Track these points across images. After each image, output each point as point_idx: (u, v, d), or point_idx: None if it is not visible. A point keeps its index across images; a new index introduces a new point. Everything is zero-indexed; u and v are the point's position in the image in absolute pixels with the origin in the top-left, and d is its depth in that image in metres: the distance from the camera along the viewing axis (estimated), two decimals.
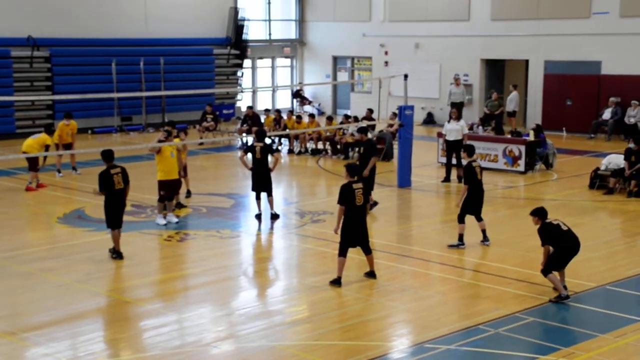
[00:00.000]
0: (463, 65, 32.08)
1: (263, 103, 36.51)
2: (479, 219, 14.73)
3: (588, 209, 18.04)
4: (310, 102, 36.42)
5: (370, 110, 25.86)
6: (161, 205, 16.31)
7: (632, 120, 27.42)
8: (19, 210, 18.08)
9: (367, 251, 12.65)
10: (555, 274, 11.80)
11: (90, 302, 12.01)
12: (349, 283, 12.48)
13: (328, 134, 25.26)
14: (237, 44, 34.35)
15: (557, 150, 23.13)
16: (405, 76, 20.87)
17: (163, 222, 16.20)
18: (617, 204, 18.50)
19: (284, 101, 37.57)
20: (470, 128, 23.79)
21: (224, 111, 30.77)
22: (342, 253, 12.42)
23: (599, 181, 19.72)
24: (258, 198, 16.74)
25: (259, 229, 16.31)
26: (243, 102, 34.50)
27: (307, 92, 37.15)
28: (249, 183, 17.00)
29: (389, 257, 13.96)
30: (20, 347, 10.18)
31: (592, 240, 14.80)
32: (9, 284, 12.74)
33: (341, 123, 24.96)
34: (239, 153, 17.14)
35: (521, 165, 21.83)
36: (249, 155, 16.79)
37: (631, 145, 19.25)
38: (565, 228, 11.87)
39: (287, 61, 38.05)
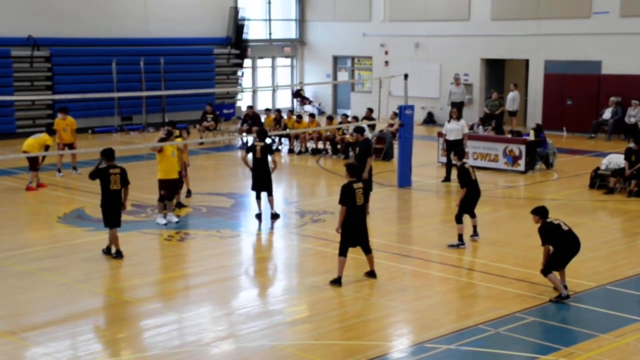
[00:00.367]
0: (463, 65, 32.07)
1: (263, 103, 36.51)
2: (473, 215, 14.80)
3: (588, 208, 18.04)
4: (310, 102, 36.42)
5: (370, 110, 25.86)
6: (161, 204, 16.31)
7: (633, 120, 27.41)
8: (19, 210, 18.09)
9: (367, 251, 12.66)
10: (556, 273, 11.80)
11: (90, 301, 12.01)
12: (349, 283, 12.48)
13: (328, 133, 25.27)
14: (237, 43, 34.35)
15: (557, 150, 23.13)
16: (406, 76, 20.87)
17: (163, 221, 16.20)
18: (617, 203, 18.49)
19: (284, 101, 37.57)
20: (471, 128, 23.79)
21: (224, 111, 30.77)
22: (343, 253, 12.42)
23: (599, 181, 19.72)
24: (258, 197, 16.74)
25: (259, 229, 16.31)
26: (243, 102, 34.50)
27: (308, 92, 37.15)
28: (249, 183, 17.00)
29: (389, 257, 13.96)
30: (20, 346, 10.18)
31: (592, 240, 14.80)
32: (9, 283, 12.74)
33: (340, 123, 24.95)
34: (242, 153, 17.12)
35: (521, 165, 21.82)
36: (250, 155, 16.79)
37: (631, 144, 19.24)
38: (565, 228, 11.86)
39: (288, 61, 38.05)
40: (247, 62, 36.04)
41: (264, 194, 16.70)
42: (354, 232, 12.38)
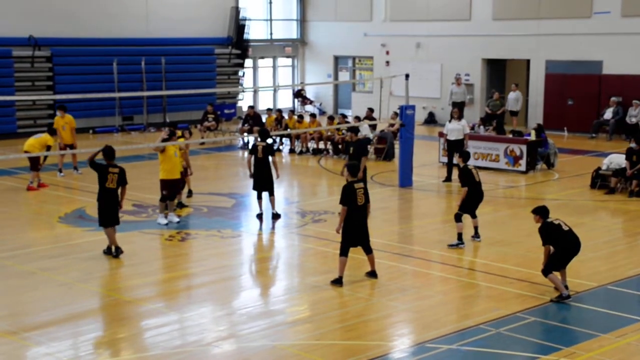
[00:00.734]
0: (464, 65, 32.07)
1: (264, 103, 36.53)
2: (474, 216, 14.80)
3: (589, 208, 18.04)
4: (311, 102, 36.42)
5: (371, 110, 25.88)
6: (162, 204, 16.32)
7: (634, 119, 27.41)
8: (20, 210, 18.09)
9: (368, 250, 12.66)
10: (556, 274, 11.80)
11: (92, 301, 12.03)
12: (350, 283, 12.48)
13: (329, 133, 25.27)
14: (238, 43, 34.35)
15: (558, 149, 23.12)
16: (407, 76, 20.88)
17: (164, 221, 16.21)
18: (618, 203, 18.49)
19: (286, 101, 37.58)
20: (472, 128, 23.79)
21: (225, 111, 30.78)
22: (343, 253, 12.42)
23: (600, 181, 19.72)
24: (259, 197, 16.74)
25: (260, 229, 16.31)
26: (244, 102, 34.50)
27: (309, 92, 37.15)
28: (250, 182, 16.99)
29: (390, 257, 13.96)
30: (22, 346, 10.19)
31: (593, 240, 14.80)
32: (10, 283, 12.74)
33: (339, 123, 24.96)
34: (247, 156, 17.13)
35: (522, 165, 21.82)
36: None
37: (632, 144, 19.23)
38: (566, 228, 11.86)
39: (289, 61, 38.05)
40: (248, 62, 36.05)
41: (264, 194, 16.70)
42: (354, 232, 12.38)
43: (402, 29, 33.92)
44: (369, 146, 24.30)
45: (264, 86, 38.46)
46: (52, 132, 20.66)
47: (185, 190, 18.24)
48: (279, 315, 11.35)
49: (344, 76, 36.85)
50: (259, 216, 16.76)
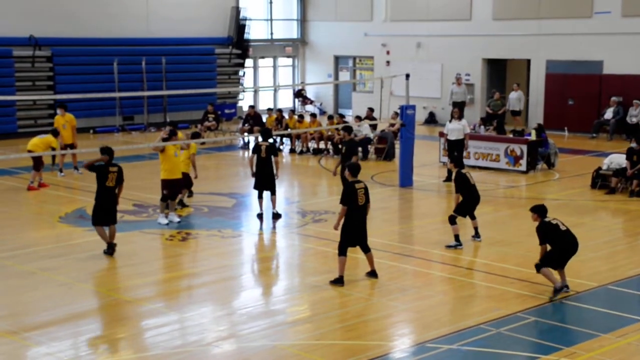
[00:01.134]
0: (465, 65, 32.06)
1: (265, 103, 36.53)
2: (473, 217, 14.81)
3: (590, 208, 18.04)
4: (312, 102, 36.42)
5: (371, 110, 25.87)
6: (163, 204, 16.32)
7: (634, 119, 27.40)
8: (21, 210, 18.10)
9: (366, 249, 12.66)
10: (555, 274, 11.79)
11: (92, 301, 12.04)
12: (350, 283, 12.48)
13: (329, 133, 25.27)
14: (238, 43, 34.35)
15: (558, 149, 23.11)
16: (407, 76, 20.88)
17: (165, 221, 16.21)
18: (618, 203, 18.49)
19: (286, 101, 37.58)
20: (473, 128, 23.79)
21: (226, 111, 30.78)
22: (342, 252, 12.43)
23: (601, 181, 19.71)
24: (260, 197, 16.75)
25: (261, 229, 16.31)
26: (245, 102, 34.49)
27: (309, 92, 37.15)
28: (251, 182, 17.01)
29: (391, 257, 13.96)
30: (22, 346, 10.19)
31: (594, 240, 14.80)
32: (11, 283, 12.75)
33: (337, 123, 24.95)
34: (249, 155, 17.15)
35: (523, 164, 21.82)
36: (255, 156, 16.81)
37: (633, 144, 19.23)
38: (563, 228, 11.85)
39: (289, 61, 38.05)
40: (249, 62, 36.05)
41: (265, 194, 16.70)
42: (354, 231, 12.39)
43: (402, 28, 33.92)
44: (369, 146, 24.43)
45: (264, 86, 38.46)
46: (55, 133, 20.73)
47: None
48: (279, 315, 11.35)
49: (345, 76, 36.84)
50: (260, 216, 16.76)
